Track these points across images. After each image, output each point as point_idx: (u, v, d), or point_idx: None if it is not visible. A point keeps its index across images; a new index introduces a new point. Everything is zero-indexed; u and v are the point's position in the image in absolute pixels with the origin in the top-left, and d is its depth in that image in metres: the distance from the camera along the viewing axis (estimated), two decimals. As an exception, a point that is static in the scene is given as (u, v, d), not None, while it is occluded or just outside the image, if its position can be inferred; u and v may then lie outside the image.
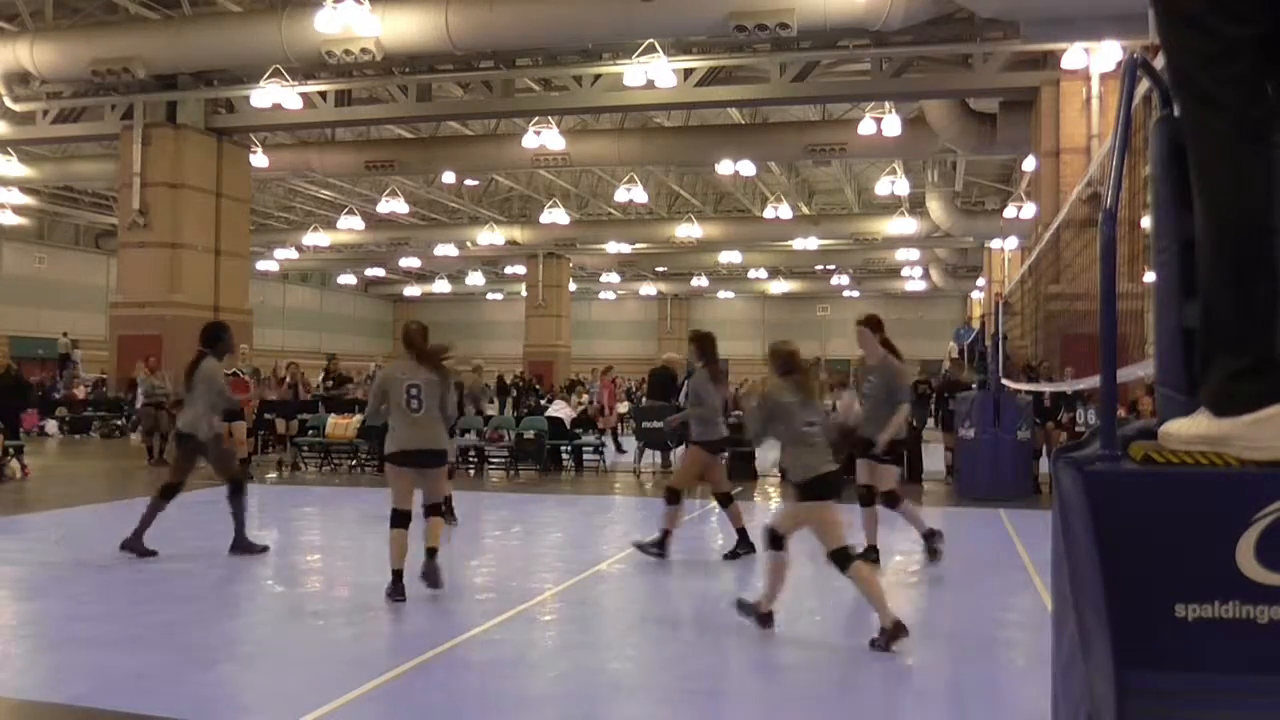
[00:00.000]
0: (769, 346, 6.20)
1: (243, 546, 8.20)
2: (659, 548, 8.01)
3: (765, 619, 5.80)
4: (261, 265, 39.03)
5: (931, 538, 7.96)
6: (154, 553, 7.91)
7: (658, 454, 15.83)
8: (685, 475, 8.41)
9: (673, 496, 8.09)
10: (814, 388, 5.97)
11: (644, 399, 19.06)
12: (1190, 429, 2.04)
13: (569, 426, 16.44)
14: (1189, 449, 2.01)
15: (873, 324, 7.84)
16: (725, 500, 8.32)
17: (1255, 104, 2.03)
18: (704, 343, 8.30)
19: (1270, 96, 2.07)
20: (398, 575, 6.53)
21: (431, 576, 6.59)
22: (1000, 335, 13.25)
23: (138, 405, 17.48)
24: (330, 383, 16.80)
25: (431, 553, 6.67)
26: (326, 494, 12.94)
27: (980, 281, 38.87)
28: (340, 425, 15.57)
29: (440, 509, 6.93)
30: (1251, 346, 2.00)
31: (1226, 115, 2.02)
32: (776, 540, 5.82)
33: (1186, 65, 2.07)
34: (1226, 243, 2.04)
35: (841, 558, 5.54)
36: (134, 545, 7.92)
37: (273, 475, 14.62)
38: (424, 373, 6.59)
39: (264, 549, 8.30)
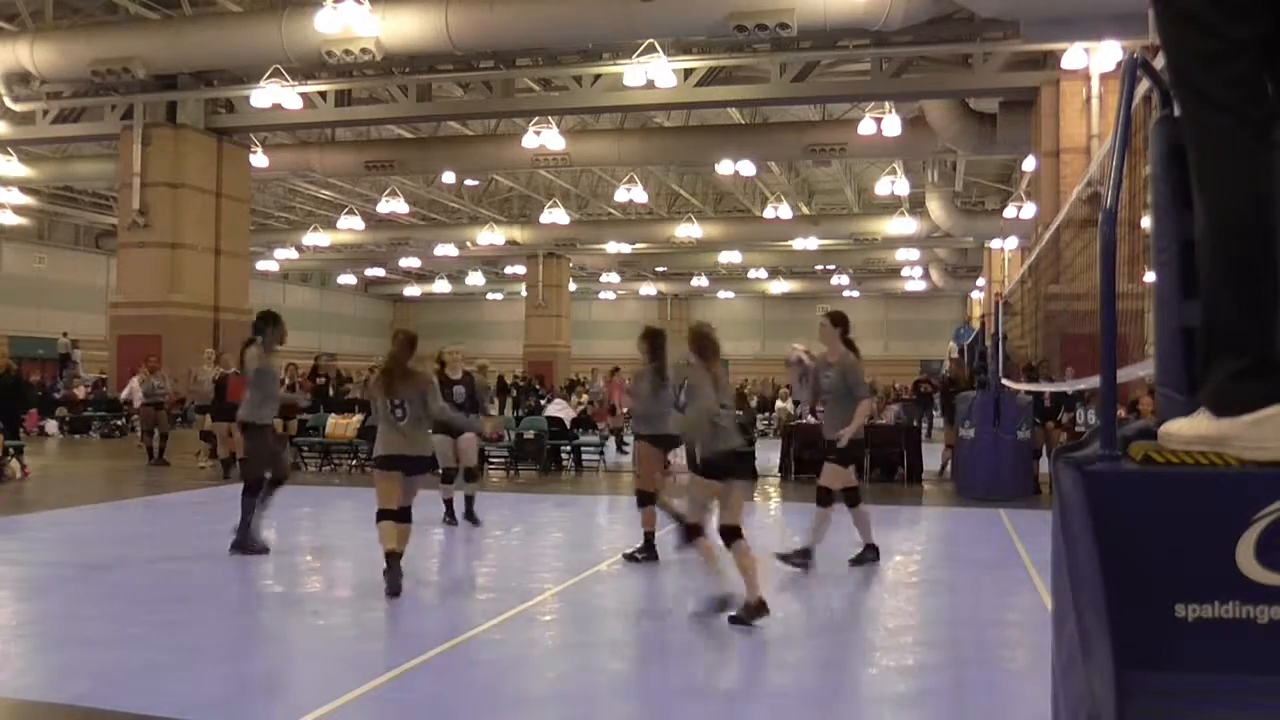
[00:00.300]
0: (690, 328, 6.43)
1: (244, 546, 8.18)
2: (646, 551, 8.02)
3: (758, 610, 5.80)
4: (261, 265, 39.03)
5: (872, 551, 7.86)
6: (266, 549, 8.08)
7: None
8: (645, 474, 8.22)
9: (643, 498, 8.08)
10: (722, 373, 6.28)
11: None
12: (1190, 429, 2.04)
13: (569, 426, 16.43)
14: (1189, 449, 2.01)
15: (836, 320, 7.87)
16: (645, 499, 8.15)
17: (1255, 104, 2.03)
18: (653, 340, 8.27)
19: (1270, 96, 2.07)
20: (389, 555, 6.76)
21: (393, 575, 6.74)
22: (1000, 335, 13.26)
23: (135, 404, 17.43)
24: (316, 383, 16.34)
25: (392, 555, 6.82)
26: (326, 494, 12.94)
27: (980, 281, 38.87)
28: (340, 425, 15.56)
29: (409, 515, 7.02)
30: (1252, 347, 2.00)
31: (1226, 115, 2.02)
32: (696, 530, 6.05)
33: (1186, 65, 2.07)
34: (1226, 243, 2.04)
35: (730, 534, 5.92)
36: (244, 545, 8.04)
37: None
38: (409, 386, 6.87)
39: (264, 550, 8.27)
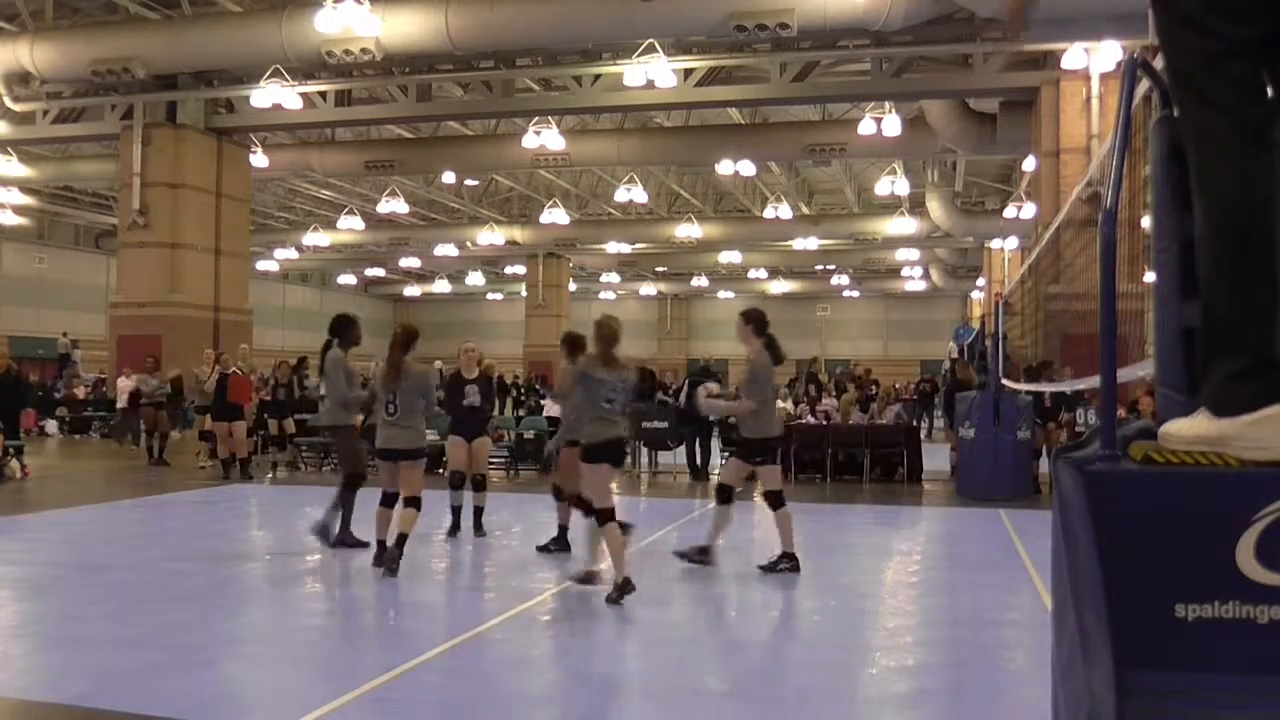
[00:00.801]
0: (596, 320, 6.77)
1: (345, 541, 8.23)
2: (558, 544, 8.28)
3: (624, 587, 6.32)
4: (261, 265, 39.02)
5: (787, 560, 7.58)
6: (365, 543, 8.08)
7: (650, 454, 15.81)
8: (568, 479, 7.95)
9: (557, 493, 8.20)
10: (621, 366, 6.66)
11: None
12: (1190, 429, 2.04)
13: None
14: (1189, 449, 2.01)
15: (748, 317, 7.87)
16: (558, 493, 8.21)
17: (1255, 105, 2.03)
18: (572, 344, 8.05)
19: (1270, 97, 2.07)
20: (380, 544, 7.50)
21: (390, 562, 7.20)
22: (1000, 335, 13.26)
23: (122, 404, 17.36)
24: (282, 391, 15.89)
25: (399, 539, 7.24)
26: (327, 494, 12.91)
27: (980, 281, 38.87)
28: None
29: (415, 502, 7.42)
30: (1251, 347, 2.00)
31: (1226, 116, 2.02)
32: (583, 504, 6.65)
33: (1186, 66, 2.07)
34: (1226, 243, 2.04)
35: (603, 516, 6.49)
36: (345, 539, 8.16)
37: (270, 476, 14.61)
38: (402, 382, 7.36)
39: (364, 544, 8.15)
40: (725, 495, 7.70)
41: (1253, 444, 1.95)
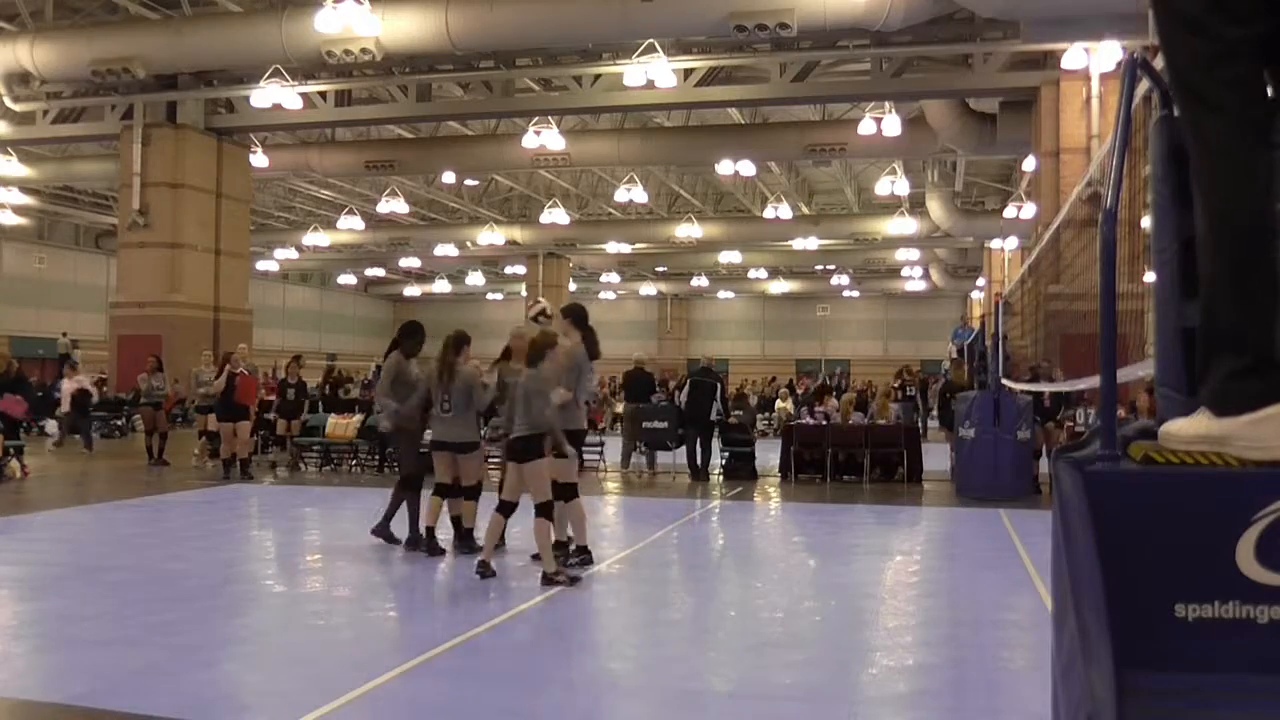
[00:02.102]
0: (533, 336, 7.28)
1: (415, 541, 8.36)
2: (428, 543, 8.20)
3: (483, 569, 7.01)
4: (261, 265, 39.03)
5: (573, 555, 7.52)
6: (397, 540, 8.42)
7: (647, 454, 15.79)
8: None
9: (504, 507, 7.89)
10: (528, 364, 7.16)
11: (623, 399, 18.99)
12: (1190, 429, 2.04)
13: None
14: (1189, 449, 2.01)
15: (566, 312, 8.08)
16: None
17: (1255, 106, 2.03)
18: (505, 352, 8.33)
19: (1269, 97, 2.07)
20: (429, 531, 8.13)
21: (464, 545, 8.13)
22: (1000, 335, 13.25)
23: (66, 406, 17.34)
24: (291, 391, 15.80)
25: (459, 524, 8.17)
26: (327, 494, 12.94)
27: (980, 281, 38.88)
28: (340, 425, 15.55)
29: (473, 493, 8.20)
30: (1251, 346, 2.00)
31: (1226, 117, 2.02)
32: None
33: (1185, 67, 2.08)
34: (1226, 243, 2.04)
35: (542, 509, 7.03)
36: (415, 540, 8.35)
37: (270, 478, 14.61)
38: (453, 383, 7.95)
39: (398, 541, 8.44)
40: (565, 493, 7.52)
41: (1253, 443, 1.95)
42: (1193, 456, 1.99)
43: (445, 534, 8.30)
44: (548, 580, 6.86)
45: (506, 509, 7.40)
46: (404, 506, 8.48)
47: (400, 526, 8.48)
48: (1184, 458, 2.00)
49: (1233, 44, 1.99)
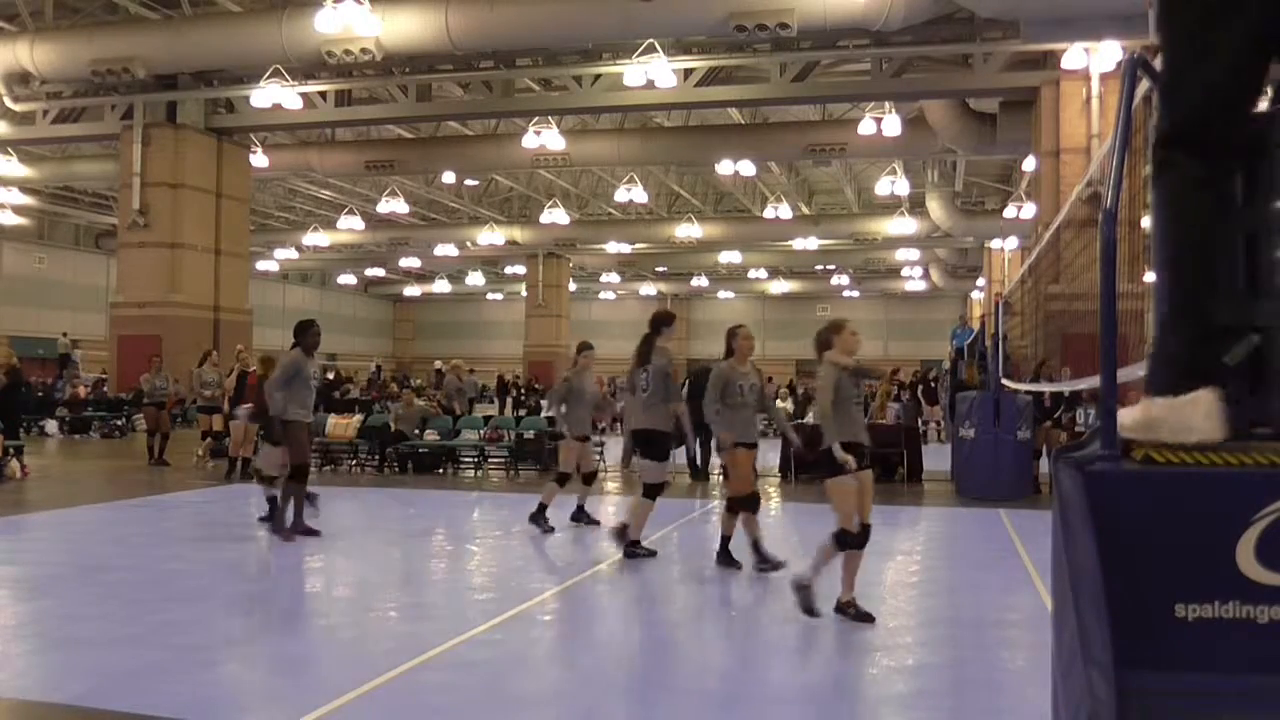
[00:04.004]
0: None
1: (298, 529, 8.71)
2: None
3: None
4: (261, 265, 39.03)
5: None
6: (318, 532, 8.86)
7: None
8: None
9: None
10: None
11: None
12: (1130, 415, 2.10)
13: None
14: (1130, 435, 2.05)
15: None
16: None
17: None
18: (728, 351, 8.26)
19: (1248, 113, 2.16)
20: (542, 508, 9.24)
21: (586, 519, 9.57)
22: (1000, 335, 13.25)
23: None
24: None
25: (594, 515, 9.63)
26: (326, 494, 12.90)
27: (980, 281, 38.88)
28: (340, 425, 15.55)
29: (589, 479, 9.75)
30: (1184, 335, 2.08)
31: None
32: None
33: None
34: (1171, 238, 2.15)
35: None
36: (298, 527, 8.77)
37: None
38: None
39: (316, 533, 8.90)
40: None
41: (1177, 426, 2.00)
42: (1193, 456, 1.99)
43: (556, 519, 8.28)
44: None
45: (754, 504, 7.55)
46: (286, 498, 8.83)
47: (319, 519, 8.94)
48: (1184, 457, 2.00)
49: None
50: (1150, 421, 2.03)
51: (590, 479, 10.01)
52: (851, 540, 5.96)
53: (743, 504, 7.56)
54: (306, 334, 9.05)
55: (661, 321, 8.44)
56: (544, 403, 21.73)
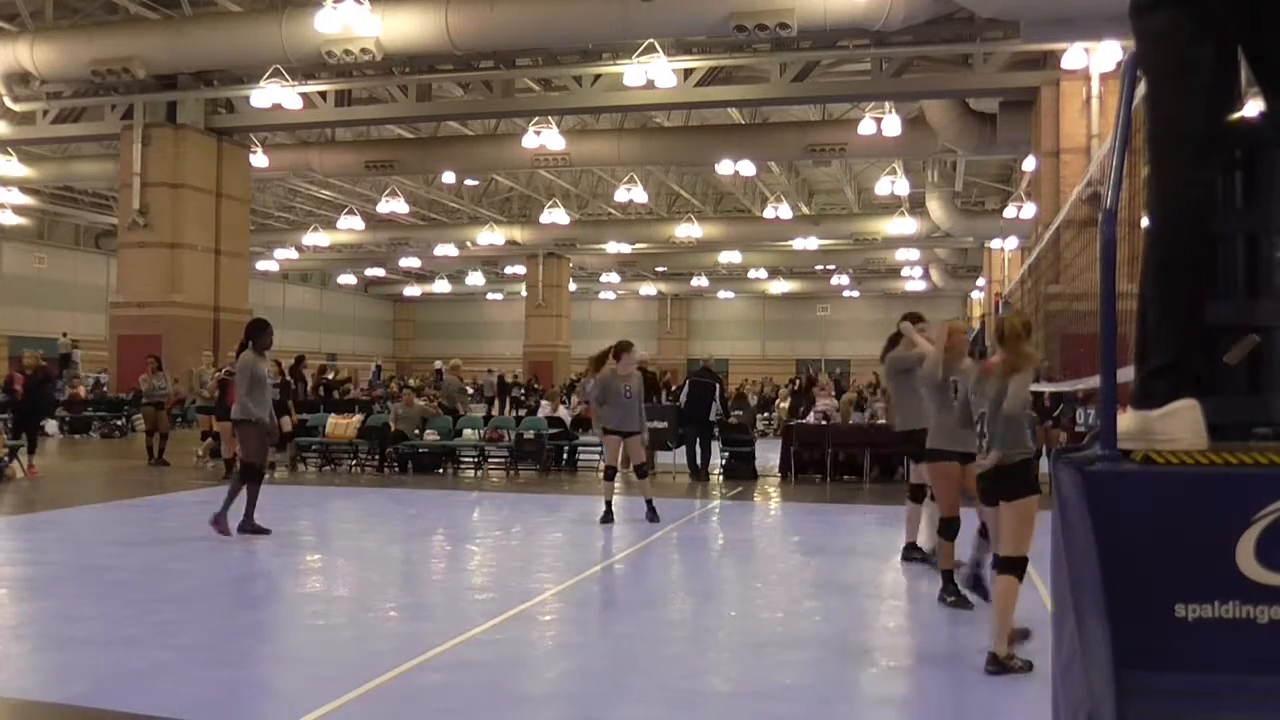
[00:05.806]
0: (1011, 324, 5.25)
1: (245, 528, 8.61)
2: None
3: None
4: (261, 265, 39.01)
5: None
6: (267, 530, 8.90)
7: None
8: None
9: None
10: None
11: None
12: (1124, 424, 2.14)
13: (570, 426, 16.44)
14: (1129, 445, 2.09)
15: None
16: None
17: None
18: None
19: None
20: (608, 503, 9.83)
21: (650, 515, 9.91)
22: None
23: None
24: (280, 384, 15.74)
25: (649, 504, 9.99)
26: (327, 494, 12.94)
27: (980, 281, 38.85)
28: (340, 425, 15.55)
29: (643, 471, 10.24)
30: (1169, 345, 2.13)
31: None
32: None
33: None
34: (1158, 246, 2.17)
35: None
36: (245, 526, 8.80)
37: (269, 476, 14.59)
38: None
39: (266, 531, 8.90)
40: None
41: (1163, 436, 2.04)
42: (1192, 456, 1.99)
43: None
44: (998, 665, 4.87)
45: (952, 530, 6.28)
46: (243, 494, 8.86)
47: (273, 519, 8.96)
48: (1184, 458, 2.00)
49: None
50: (1141, 431, 2.07)
51: (641, 471, 10.41)
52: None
53: (942, 529, 6.48)
54: (262, 334, 9.13)
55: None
56: (573, 397, 21.71)
